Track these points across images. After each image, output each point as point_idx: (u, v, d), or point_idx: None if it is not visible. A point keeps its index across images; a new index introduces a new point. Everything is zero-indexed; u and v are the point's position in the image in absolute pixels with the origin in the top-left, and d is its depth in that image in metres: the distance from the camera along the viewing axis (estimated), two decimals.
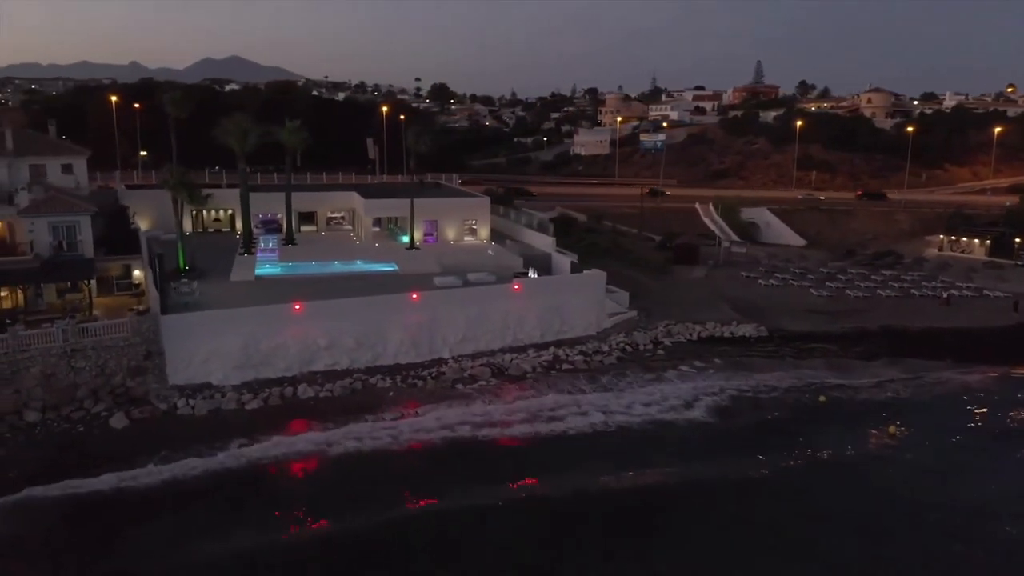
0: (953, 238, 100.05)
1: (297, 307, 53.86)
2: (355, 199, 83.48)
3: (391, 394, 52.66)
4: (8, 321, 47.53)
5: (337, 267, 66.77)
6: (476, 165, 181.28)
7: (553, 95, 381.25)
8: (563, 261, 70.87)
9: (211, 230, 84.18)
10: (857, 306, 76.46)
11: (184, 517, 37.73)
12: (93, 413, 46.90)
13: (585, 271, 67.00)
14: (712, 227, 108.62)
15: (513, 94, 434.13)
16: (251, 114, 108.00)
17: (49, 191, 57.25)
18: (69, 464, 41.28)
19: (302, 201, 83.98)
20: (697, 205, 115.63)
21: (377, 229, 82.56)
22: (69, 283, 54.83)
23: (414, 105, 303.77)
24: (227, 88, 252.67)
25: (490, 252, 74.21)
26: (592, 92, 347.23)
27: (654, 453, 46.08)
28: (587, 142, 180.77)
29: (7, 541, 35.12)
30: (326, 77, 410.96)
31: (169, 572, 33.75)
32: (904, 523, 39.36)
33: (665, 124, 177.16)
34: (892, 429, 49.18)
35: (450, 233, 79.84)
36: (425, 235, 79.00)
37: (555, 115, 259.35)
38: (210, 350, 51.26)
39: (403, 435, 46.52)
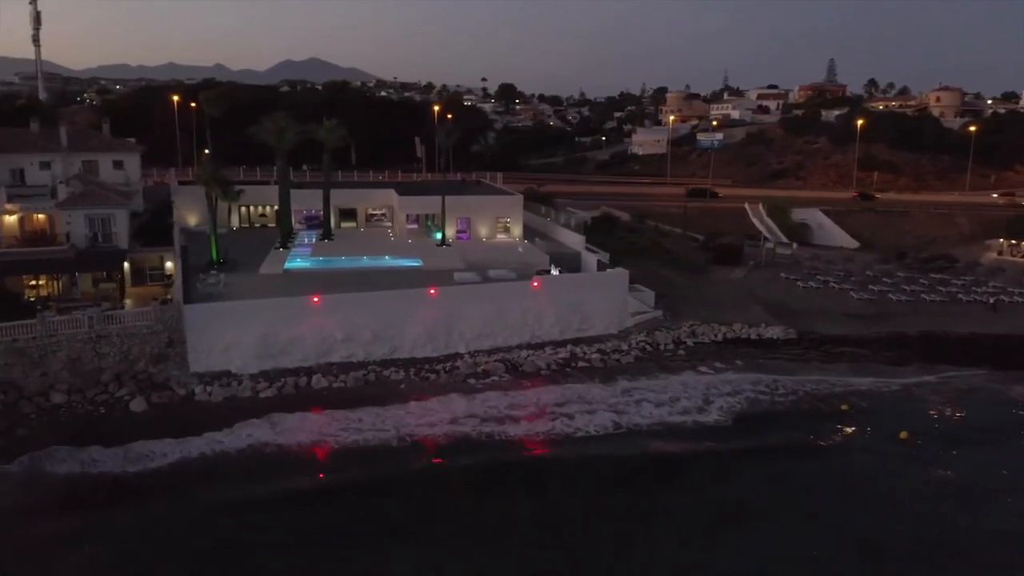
0: (1013, 242, 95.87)
1: (315, 300, 55.42)
2: (392, 196, 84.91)
3: (403, 386, 53.62)
4: (39, 307, 50.21)
5: (366, 262, 68.14)
6: (533, 164, 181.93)
7: (621, 94, 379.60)
8: (593, 259, 70.84)
9: (257, 225, 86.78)
10: (898, 310, 74.13)
11: (182, 489, 39.87)
12: (116, 397, 49.18)
13: (609, 269, 66.85)
14: (760, 228, 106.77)
15: (582, 94, 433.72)
16: (307, 113, 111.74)
17: (89, 185, 60.08)
18: (85, 444, 43.48)
19: (344, 198, 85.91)
20: (746, 205, 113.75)
21: (415, 226, 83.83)
22: (105, 272, 57.52)
23: (479, 106, 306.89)
24: (298, 88, 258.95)
25: (520, 249, 74.58)
26: (661, 91, 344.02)
27: (658, 453, 45.97)
28: (644, 141, 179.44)
29: (14, 509, 37.36)
30: (395, 78, 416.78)
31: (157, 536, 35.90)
32: (901, 529, 38.34)
33: (715, 123, 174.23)
34: (904, 434, 47.68)
35: (483, 230, 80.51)
36: (458, 232, 79.88)
37: (618, 114, 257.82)
38: (230, 339, 53.16)
39: (405, 427, 47.41)
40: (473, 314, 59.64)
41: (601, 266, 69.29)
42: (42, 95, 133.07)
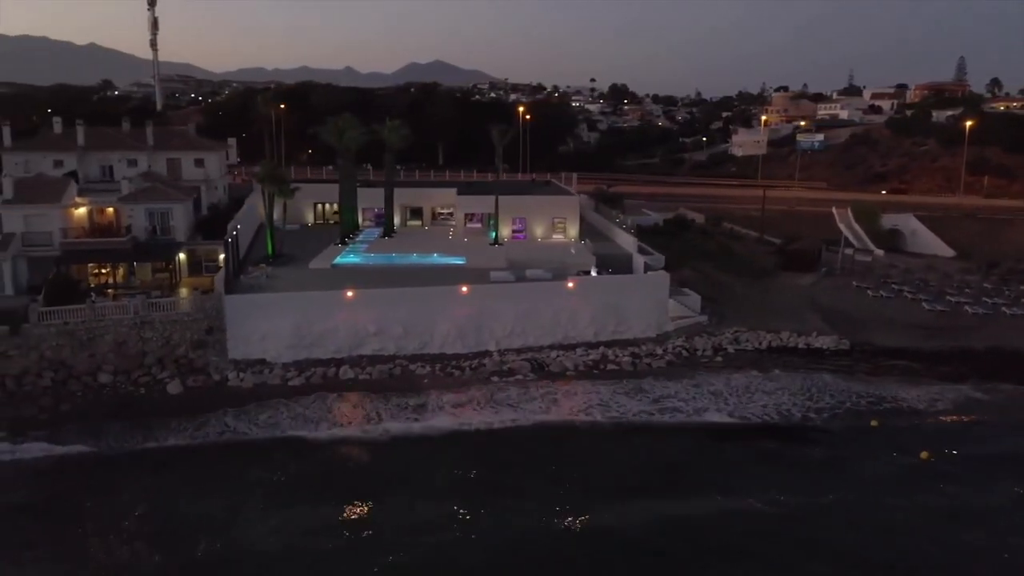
0: None
1: (349, 294, 57.49)
2: (454, 196, 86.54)
3: (426, 381, 55.02)
4: (92, 293, 54.42)
5: (414, 259, 69.87)
6: (630, 164, 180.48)
7: (739, 94, 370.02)
8: (646, 262, 70.18)
9: (331, 222, 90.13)
10: (971, 323, 69.52)
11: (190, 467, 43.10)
12: (158, 379, 52.74)
13: (649, 272, 66.01)
14: (846, 233, 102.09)
15: (697, 93, 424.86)
16: (398, 114, 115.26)
17: (153, 181, 64.40)
18: (120, 421, 47.16)
19: (410, 197, 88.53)
20: (833, 209, 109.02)
21: (479, 225, 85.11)
22: (165, 263, 61.64)
23: (587, 106, 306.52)
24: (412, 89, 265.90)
25: (572, 251, 74.46)
26: (782, 90, 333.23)
27: (657, 463, 45.48)
28: (744, 142, 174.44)
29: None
30: (507, 79, 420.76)
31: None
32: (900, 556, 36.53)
33: (803, 123, 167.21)
34: (925, 455, 45.05)
35: (539, 230, 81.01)
36: (514, 232, 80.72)
37: (726, 114, 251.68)
38: (267, 329, 55.96)
39: (420, 421, 48.94)
40: (505, 313, 60.28)
41: (648, 268, 68.44)
42: (159, 98, 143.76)
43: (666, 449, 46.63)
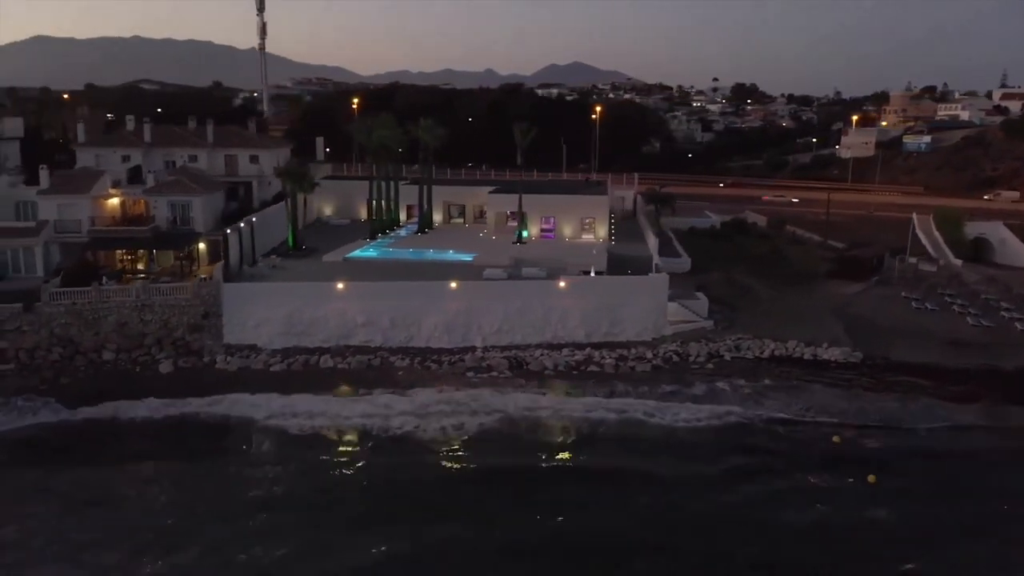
0: None
1: (339, 286, 59.68)
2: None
3: (400, 374, 56.32)
4: (103, 279, 59.17)
5: (430, 255, 71.46)
6: (733, 167, 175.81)
7: (877, 93, 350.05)
8: (665, 264, 68.81)
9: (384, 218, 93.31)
10: (1017, 341, 63.57)
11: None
12: (156, 359, 56.82)
13: (651, 274, 64.52)
14: (924, 241, 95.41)
15: (836, 92, 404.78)
16: (477, 115, 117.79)
17: (177, 175, 69.04)
18: (112, 395, 51.31)
19: (453, 195, 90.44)
20: (914, 215, 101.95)
21: (515, 223, 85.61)
22: (185, 251, 66.05)
23: (707, 106, 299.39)
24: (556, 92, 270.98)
25: (594, 252, 73.67)
26: (929, 89, 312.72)
27: (586, 457, 45.91)
28: (853, 143, 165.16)
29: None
30: (629, 79, 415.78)
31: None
32: None
33: (884, 123, 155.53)
34: (872, 478, 42.10)
35: (567, 230, 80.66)
36: (543, 231, 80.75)
37: (855, 116, 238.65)
38: (261, 316, 59.15)
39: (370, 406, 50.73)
40: (495, 310, 60.75)
41: (659, 270, 66.88)
42: (265, 100, 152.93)
43: (602, 447, 46.81)
